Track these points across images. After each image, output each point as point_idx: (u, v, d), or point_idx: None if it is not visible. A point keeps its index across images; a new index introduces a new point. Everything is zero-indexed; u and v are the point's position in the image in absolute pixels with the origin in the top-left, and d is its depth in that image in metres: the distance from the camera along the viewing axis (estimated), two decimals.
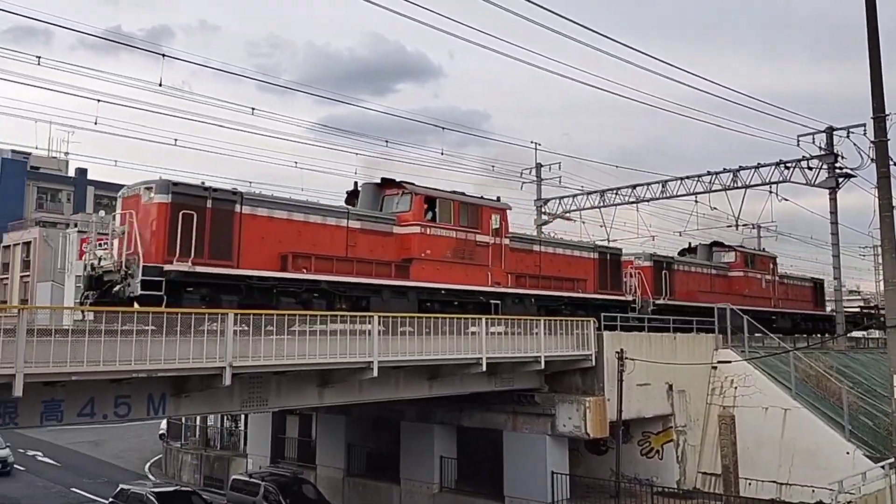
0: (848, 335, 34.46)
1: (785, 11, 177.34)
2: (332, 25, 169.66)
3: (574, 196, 41.05)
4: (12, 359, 10.59)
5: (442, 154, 37.56)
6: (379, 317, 15.69)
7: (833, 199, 32.60)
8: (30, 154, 65.20)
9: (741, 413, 22.13)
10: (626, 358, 20.36)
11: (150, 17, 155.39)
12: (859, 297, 68.35)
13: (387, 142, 31.63)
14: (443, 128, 35.40)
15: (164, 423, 34.09)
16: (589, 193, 40.32)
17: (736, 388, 23.59)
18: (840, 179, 32.22)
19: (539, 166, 42.14)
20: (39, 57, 20.30)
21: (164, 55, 21.72)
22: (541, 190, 42.35)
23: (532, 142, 41.06)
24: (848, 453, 20.37)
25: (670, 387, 22.71)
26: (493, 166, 40.45)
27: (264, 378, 15.21)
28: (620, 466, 20.67)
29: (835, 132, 32.26)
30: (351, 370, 15.43)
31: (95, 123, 23.35)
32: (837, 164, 32.12)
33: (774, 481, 21.43)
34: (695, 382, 23.71)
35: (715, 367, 24.35)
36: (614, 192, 39.14)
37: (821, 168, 32.37)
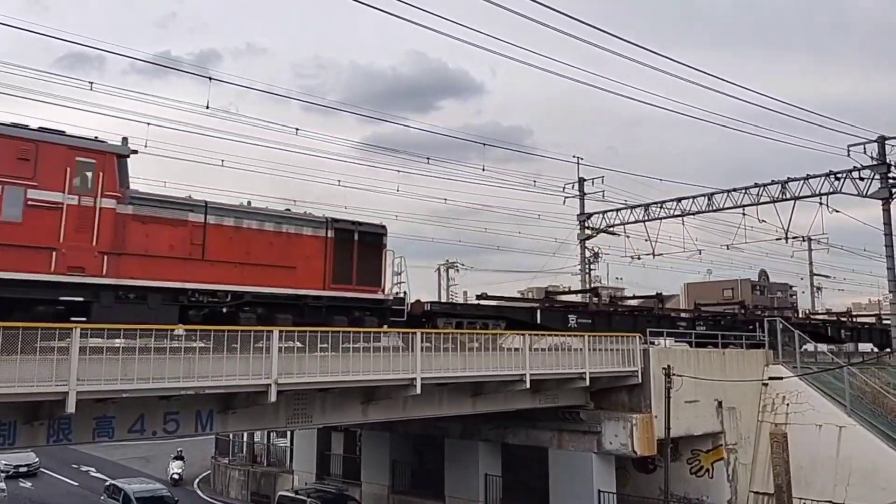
0: None
1: (836, 19, 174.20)
2: (375, 45, 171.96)
3: (618, 210, 40.62)
4: (66, 376, 10.88)
5: (483, 170, 37.58)
6: (422, 333, 15.71)
7: (886, 210, 31.68)
8: None
9: (794, 430, 21.54)
10: (674, 374, 20.01)
11: (198, 41, 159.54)
12: None
13: (428, 159, 31.75)
14: (484, 144, 35.33)
15: (174, 467, 33.26)
16: (633, 207, 39.84)
17: (788, 404, 22.99)
18: (893, 190, 31.32)
19: (582, 180, 41.83)
20: (92, 82, 20.92)
21: (211, 78, 22.21)
22: (584, 204, 42.02)
23: (574, 156, 40.82)
24: None
25: (720, 404, 22.24)
26: (534, 181, 40.39)
27: (309, 395, 15.34)
28: (669, 485, 20.27)
29: (887, 141, 31.41)
30: (395, 387, 15.47)
31: (145, 146, 23.90)
32: (890, 174, 31.25)
33: (830, 501, 20.77)
34: (745, 399, 23.18)
35: (766, 384, 23.78)
36: (659, 205, 38.60)
37: (873, 178, 31.51)
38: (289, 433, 30.20)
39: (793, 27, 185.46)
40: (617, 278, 66.31)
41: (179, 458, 33.51)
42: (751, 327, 26.34)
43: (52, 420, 12.34)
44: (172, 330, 12.88)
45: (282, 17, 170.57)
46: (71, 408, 10.90)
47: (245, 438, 32.85)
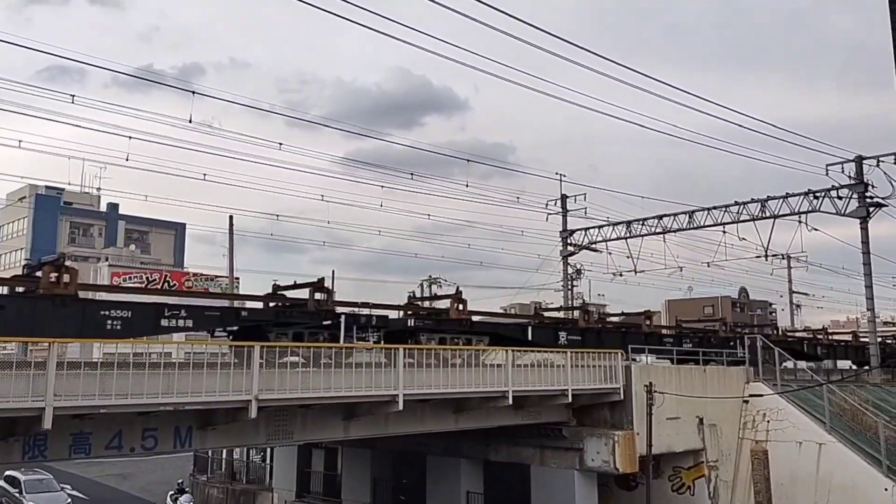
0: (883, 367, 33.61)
1: (814, 40, 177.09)
2: (359, 61, 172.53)
3: (600, 227, 40.85)
4: (42, 392, 10.70)
5: (467, 186, 37.69)
6: (405, 349, 15.66)
7: (864, 229, 32.10)
8: (63, 190, 66.61)
9: (774, 447, 21.62)
10: (655, 391, 20.06)
11: (181, 55, 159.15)
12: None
13: (412, 174, 31.76)
14: (467, 160, 35.46)
15: (183, 502, 29.00)
16: (615, 224, 40.11)
17: (768, 421, 23.10)
18: (871, 209, 31.76)
19: (564, 197, 42.06)
20: (73, 95, 20.84)
21: (194, 92, 22.19)
22: (566, 221, 42.22)
23: (557, 173, 41.07)
24: (886, 490, 19.79)
25: (701, 420, 22.29)
26: (517, 198, 40.55)
27: (290, 411, 15.20)
28: (651, 502, 20.25)
29: (864, 161, 31.87)
30: (376, 403, 15.37)
31: (127, 159, 23.81)
32: (868, 194, 31.69)
33: None
34: (726, 416, 23.26)
35: (746, 401, 23.88)
36: (641, 222, 38.91)
37: (851, 197, 31.95)
38: (268, 450, 29.90)
39: (772, 48, 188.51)
40: (599, 294, 66.67)
41: (182, 490, 29.69)
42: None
43: (27, 436, 12.12)
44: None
45: (266, 33, 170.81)
46: (47, 424, 10.72)
47: (224, 455, 32.48)
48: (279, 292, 18.04)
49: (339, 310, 18.08)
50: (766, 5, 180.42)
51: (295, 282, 18.07)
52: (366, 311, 19.06)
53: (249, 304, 19.05)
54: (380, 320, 19.19)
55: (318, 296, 17.60)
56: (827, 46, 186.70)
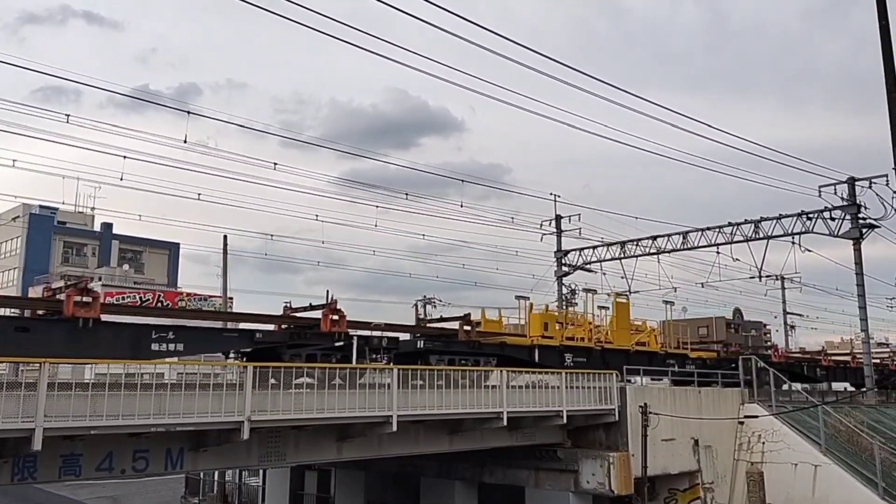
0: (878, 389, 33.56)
1: (805, 63, 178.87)
2: (356, 82, 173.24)
3: (594, 247, 40.92)
4: (32, 413, 10.61)
5: (462, 206, 37.76)
6: (399, 370, 15.60)
7: (857, 250, 32.17)
8: (57, 209, 66.46)
9: (770, 469, 21.53)
10: (650, 412, 19.99)
11: (178, 75, 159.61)
12: (888, 350, 66.99)
13: (406, 195, 31.90)
14: (462, 181, 35.53)
15: None
16: (609, 245, 40.18)
17: (764, 443, 23.02)
18: (863, 230, 31.86)
19: (559, 218, 42.16)
20: (68, 115, 20.82)
21: (189, 112, 22.23)
22: (561, 241, 42.30)
23: (552, 194, 41.23)
24: None
25: (696, 442, 22.21)
26: (512, 218, 40.65)
27: (282, 432, 15.09)
28: None
29: (857, 182, 32.02)
30: (370, 424, 15.28)
31: (121, 179, 23.78)
32: (860, 215, 31.81)
33: None
34: (721, 437, 23.18)
35: (741, 422, 23.82)
36: (635, 243, 38.97)
37: (843, 219, 32.07)
38: (261, 472, 29.64)
39: (762, 73, 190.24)
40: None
41: None
42: None
43: (17, 458, 11.99)
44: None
45: (262, 54, 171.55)
46: (37, 445, 10.61)
47: (216, 477, 32.16)
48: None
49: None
50: (756, 30, 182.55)
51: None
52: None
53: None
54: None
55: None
56: (816, 71, 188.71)
